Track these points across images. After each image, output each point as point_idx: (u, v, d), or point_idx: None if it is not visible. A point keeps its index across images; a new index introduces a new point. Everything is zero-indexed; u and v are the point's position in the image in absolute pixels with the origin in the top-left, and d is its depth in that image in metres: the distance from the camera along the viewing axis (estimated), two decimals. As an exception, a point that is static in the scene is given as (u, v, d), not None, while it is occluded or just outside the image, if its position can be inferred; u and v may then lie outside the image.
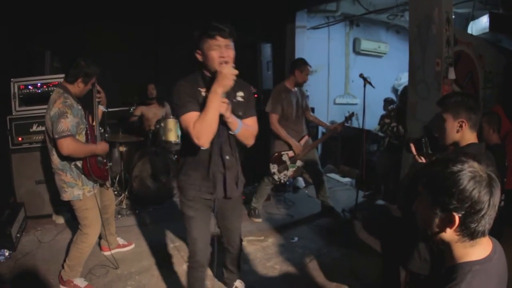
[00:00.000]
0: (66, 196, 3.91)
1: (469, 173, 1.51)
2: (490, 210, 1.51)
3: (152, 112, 7.44)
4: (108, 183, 4.37)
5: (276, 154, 5.79)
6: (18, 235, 5.10)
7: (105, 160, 4.21)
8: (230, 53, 2.90)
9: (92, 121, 4.19)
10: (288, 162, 5.79)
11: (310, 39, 9.36)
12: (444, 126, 3.00)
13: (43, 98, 5.55)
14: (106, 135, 5.96)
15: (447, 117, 2.97)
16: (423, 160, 3.25)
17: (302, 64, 5.88)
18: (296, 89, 5.93)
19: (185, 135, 2.92)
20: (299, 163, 5.90)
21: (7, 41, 5.88)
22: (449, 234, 1.58)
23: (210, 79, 2.91)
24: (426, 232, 1.67)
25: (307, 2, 8.68)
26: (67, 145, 3.61)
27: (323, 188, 6.26)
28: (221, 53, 2.85)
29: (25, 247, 4.99)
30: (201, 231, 3.26)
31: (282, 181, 5.94)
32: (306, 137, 5.95)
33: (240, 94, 3.16)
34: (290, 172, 5.84)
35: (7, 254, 4.68)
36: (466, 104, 2.92)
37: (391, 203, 6.67)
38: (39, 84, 5.67)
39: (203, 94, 2.97)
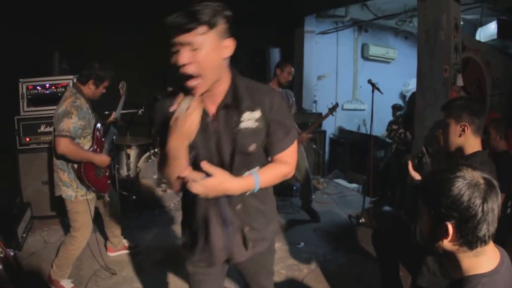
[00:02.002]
0: (59, 192, 3.96)
1: (459, 180, 1.51)
2: (486, 216, 1.49)
3: None
4: (107, 196, 4.35)
5: None
6: (24, 235, 5.13)
7: (107, 173, 4.21)
8: (185, 56, 1.80)
9: (102, 137, 4.22)
10: None
11: (318, 44, 9.37)
12: (447, 131, 2.97)
13: (51, 99, 5.59)
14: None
15: (450, 122, 2.93)
16: (418, 175, 3.20)
17: (282, 62, 5.81)
18: (280, 89, 5.80)
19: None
20: None
21: (16, 42, 5.91)
22: (448, 245, 1.58)
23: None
24: (429, 245, 1.66)
25: (316, 7, 8.69)
26: (63, 145, 3.65)
27: (307, 193, 6.27)
28: (176, 59, 1.83)
29: (31, 247, 5.02)
30: None
31: None
32: None
33: (251, 115, 2.07)
34: None
35: (12, 253, 4.69)
36: (469, 108, 2.87)
37: (398, 209, 6.64)
38: (47, 85, 5.69)
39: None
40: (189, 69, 1.82)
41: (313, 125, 6.55)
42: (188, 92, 1.89)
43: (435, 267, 2.90)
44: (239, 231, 2.26)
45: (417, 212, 1.71)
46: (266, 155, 2.25)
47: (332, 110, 6.06)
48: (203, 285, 2.42)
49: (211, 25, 1.80)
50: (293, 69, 5.76)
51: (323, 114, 6.41)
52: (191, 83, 1.85)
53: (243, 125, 2.05)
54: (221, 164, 2.10)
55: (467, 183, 1.49)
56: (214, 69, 1.89)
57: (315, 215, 6.22)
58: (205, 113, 2.01)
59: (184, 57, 1.80)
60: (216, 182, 1.95)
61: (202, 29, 1.78)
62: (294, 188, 7.31)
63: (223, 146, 2.08)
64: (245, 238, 2.28)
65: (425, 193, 1.64)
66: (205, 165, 1.96)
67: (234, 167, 2.11)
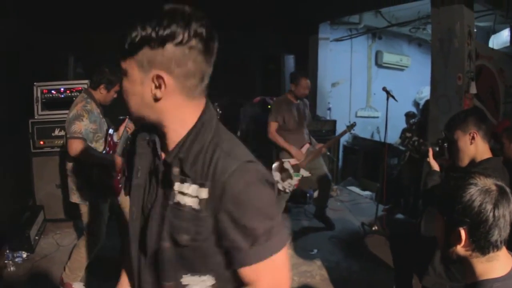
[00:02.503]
0: (74, 198, 3.97)
1: (471, 186, 1.53)
2: (498, 221, 1.51)
3: None
4: (119, 200, 4.35)
5: (278, 162, 5.72)
6: (37, 237, 5.17)
7: (118, 177, 4.20)
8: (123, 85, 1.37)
9: (115, 142, 4.23)
10: (291, 171, 5.66)
11: (332, 51, 9.35)
12: (457, 147, 2.94)
13: (66, 103, 5.60)
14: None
15: (458, 135, 2.90)
16: (437, 165, 3.21)
17: (297, 76, 5.78)
18: (298, 100, 5.84)
19: None
20: (304, 172, 5.75)
21: (31, 46, 5.95)
22: (461, 251, 1.59)
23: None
24: (443, 251, 1.69)
25: (330, 14, 8.68)
26: (76, 147, 3.66)
27: (324, 199, 6.25)
28: None
29: (44, 249, 5.06)
30: None
31: (287, 190, 5.67)
32: (307, 145, 5.88)
33: (196, 191, 1.30)
34: (294, 181, 5.67)
35: (25, 256, 4.73)
36: (471, 116, 2.89)
37: (411, 217, 6.61)
38: (62, 89, 5.74)
39: None
40: None
41: (330, 141, 6.68)
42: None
43: (441, 268, 2.90)
44: None
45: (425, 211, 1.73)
46: (228, 260, 1.35)
47: (350, 128, 6.13)
48: None
49: (130, 52, 1.29)
50: (308, 81, 5.75)
51: (339, 131, 6.45)
52: None
53: (179, 198, 1.32)
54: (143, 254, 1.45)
55: (478, 190, 1.52)
56: (138, 105, 1.34)
57: (329, 222, 6.19)
58: (156, 156, 1.43)
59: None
60: None
61: (124, 55, 1.33)
62: (308, 195, 7.29)
63: (149, 225, 1.39)
64: None
65: (439, 199, 1.67)
66: None
67: (160, 266, 1.38)
